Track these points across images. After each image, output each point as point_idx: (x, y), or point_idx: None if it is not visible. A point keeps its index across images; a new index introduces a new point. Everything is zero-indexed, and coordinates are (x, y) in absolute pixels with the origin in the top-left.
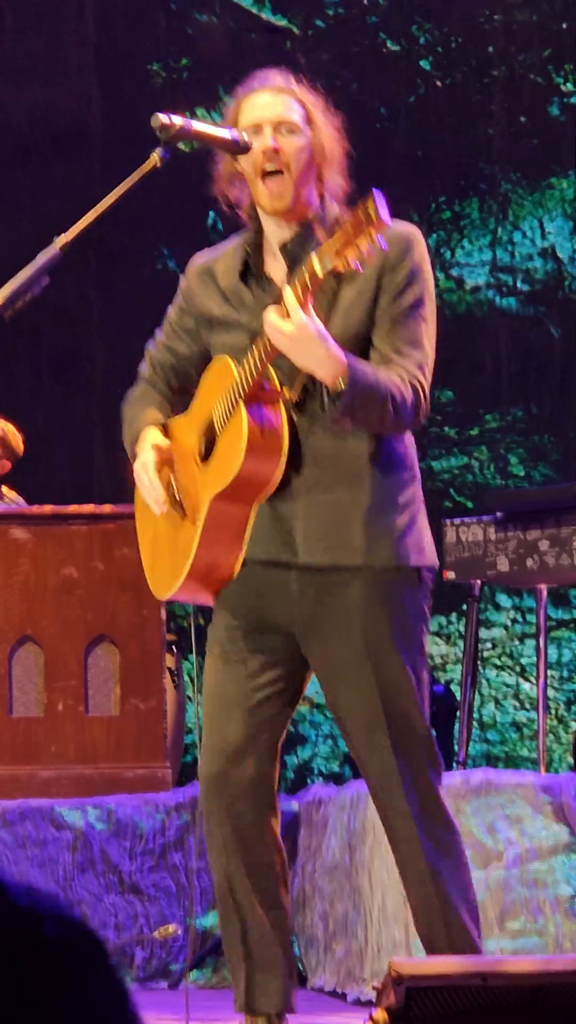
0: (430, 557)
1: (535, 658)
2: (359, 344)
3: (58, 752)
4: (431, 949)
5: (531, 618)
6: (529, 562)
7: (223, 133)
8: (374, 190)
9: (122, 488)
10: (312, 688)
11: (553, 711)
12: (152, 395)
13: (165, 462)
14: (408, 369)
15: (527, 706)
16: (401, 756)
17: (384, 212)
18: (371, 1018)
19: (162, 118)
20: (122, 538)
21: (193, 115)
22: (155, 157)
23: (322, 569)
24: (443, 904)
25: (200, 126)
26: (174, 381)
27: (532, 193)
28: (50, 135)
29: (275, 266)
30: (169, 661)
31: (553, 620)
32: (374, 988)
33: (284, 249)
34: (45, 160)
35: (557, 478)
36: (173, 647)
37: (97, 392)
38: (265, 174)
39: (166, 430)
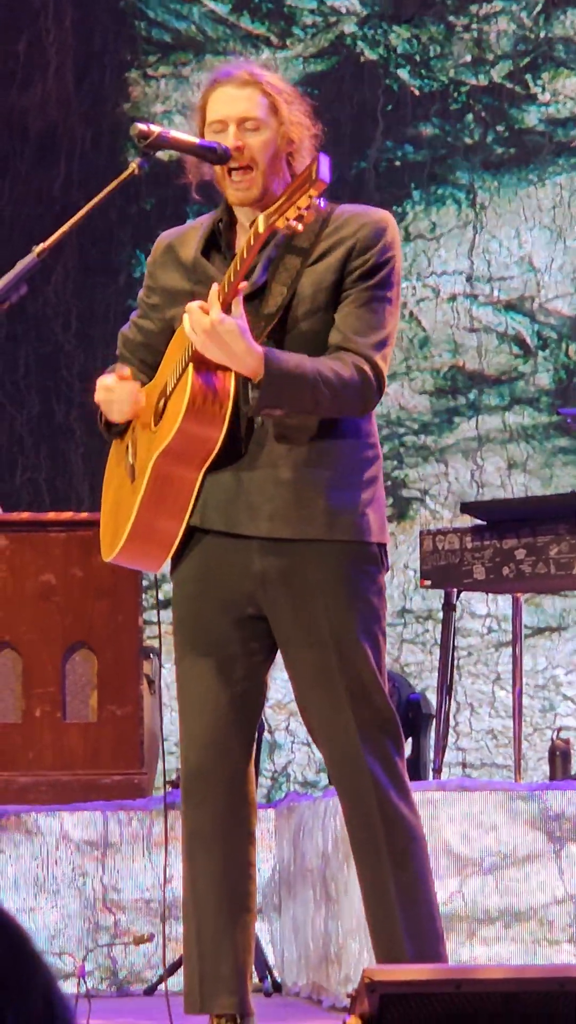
0: (387, 535)
1: (510, 666)
2: (323, 321)
3: (35, 758)
4: (377, 936)
5: (506, 626)
6: (505, 570)
7: (202, 142)
8: (320, 154)
9: (99, 496)
10: (287, 696)
11: (528, 719)
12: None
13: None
14: (359, 352)
15: (502, 713)
16: (365, 735)
17: (324, 172)
18: None
19: (140, 127)
20: (100, 545)
21: (171, 123)
22: (134, 166)
23: (284, 543)
24: (388, 897)
25: (178, 135)
26: (147, 358)
27: (510, 202)
28: (27, 139)
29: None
30: (146, 667)
31: (529, 628)
32: (348, 996)
33: (251, 227)
34: (23, 165)
35: (533, 487)
36: (150, 653)
37: (75, 398)
38: (231, 170)
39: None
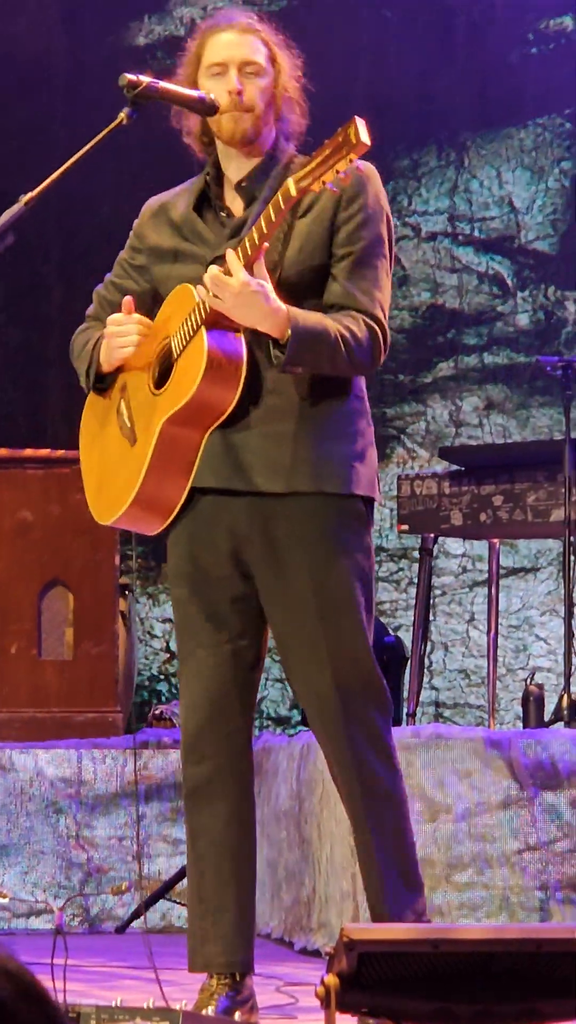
0: (377, 488)
1: (484, 606)
2: (314, 275)
3: (10, 695)
4: (369, 905)
5: (481, 566)
6: (483, 516)
7: (191, 92)
8: (355, 117)
9: (77, 432)
10: None
11: (501, 659)
12: (100, 329)
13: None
14: (366, 309)
15: (475, 653)
16: (346, 700)
17: (364, 135)
18: (322, 983)
19: (129, 77)
20: (77, 483)
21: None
22: (123, 116)
23: (272, 496)
24: (372, 858)
25: (168, 85)
26: None
27: (490, 142)
28: (10, 72)
29: (235, 201)
30: (121, 605)
31: (504, 569)
32: (326, 953)
33: (240, 187)
34: (6, 98)
35: (510, 427)
36: (125, 591)
37: (54, 332)
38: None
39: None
